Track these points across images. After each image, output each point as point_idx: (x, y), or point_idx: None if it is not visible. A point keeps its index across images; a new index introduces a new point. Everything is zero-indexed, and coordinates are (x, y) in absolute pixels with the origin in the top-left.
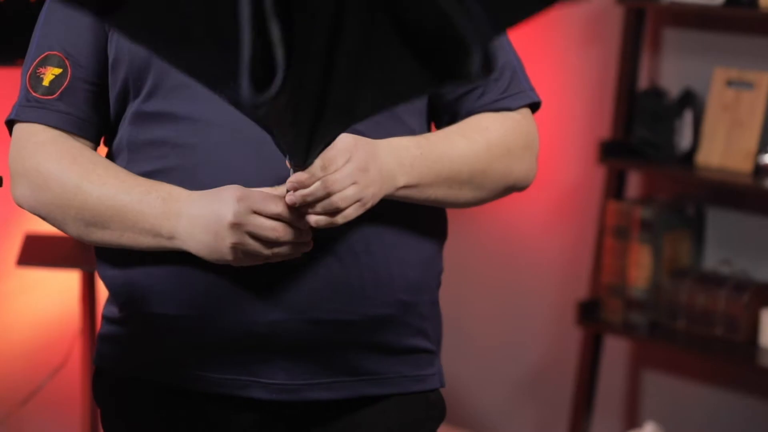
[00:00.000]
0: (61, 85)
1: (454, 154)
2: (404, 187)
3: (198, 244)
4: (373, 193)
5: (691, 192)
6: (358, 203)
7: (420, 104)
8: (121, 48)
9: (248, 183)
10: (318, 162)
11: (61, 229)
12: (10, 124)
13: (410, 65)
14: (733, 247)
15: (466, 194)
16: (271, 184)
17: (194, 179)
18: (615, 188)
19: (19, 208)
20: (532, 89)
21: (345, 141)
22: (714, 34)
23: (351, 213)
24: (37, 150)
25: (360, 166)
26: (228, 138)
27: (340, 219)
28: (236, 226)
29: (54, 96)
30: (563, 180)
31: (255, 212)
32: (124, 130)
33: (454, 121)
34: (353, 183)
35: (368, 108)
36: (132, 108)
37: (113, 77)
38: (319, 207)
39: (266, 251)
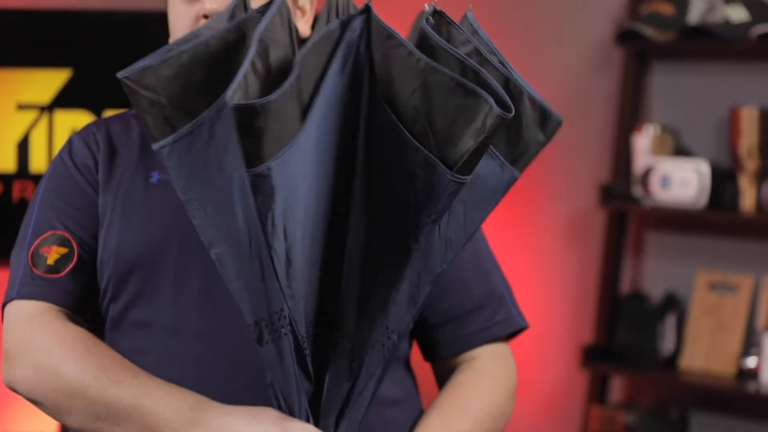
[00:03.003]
0: (67, 265)
1: None
2: None
3: None
4: None
5: (674, 396)
6: None
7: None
8: (108, 247)
9: (225, 398)
10: None
11: (59, 417)
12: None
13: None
14: None
15: None
16: (247, 399)
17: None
18: (598, 393)
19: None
20: (519, 314)
21: None
22: (696, 237)
23: None
24: (46, 332)
25: None
26: (204, 350)
27: None
28: None
29: (60, 275)
30: (545, 385)
31: None
32: (104, 334)
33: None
34: None
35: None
36: (111, 312)
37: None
38: None
39: None
